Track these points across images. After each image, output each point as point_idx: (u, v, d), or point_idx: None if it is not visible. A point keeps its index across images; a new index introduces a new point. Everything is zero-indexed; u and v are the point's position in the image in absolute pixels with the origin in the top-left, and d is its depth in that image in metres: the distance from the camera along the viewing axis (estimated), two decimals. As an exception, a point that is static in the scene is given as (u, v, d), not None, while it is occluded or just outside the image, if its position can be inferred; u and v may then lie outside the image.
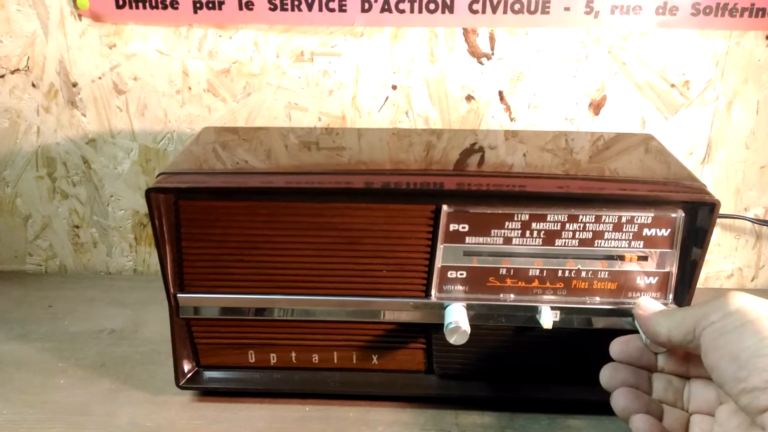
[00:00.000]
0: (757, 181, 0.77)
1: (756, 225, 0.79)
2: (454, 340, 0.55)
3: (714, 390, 0.48)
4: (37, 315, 0.75)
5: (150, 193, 0.53)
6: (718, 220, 0.79)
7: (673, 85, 0.73)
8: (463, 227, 0.55)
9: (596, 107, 0.75)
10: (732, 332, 0.41)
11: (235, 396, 0.62)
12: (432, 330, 0.59)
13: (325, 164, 0.60)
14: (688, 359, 0.50)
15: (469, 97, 0.75)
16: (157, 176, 0.55)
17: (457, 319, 0.55)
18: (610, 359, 0.58)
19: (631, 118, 0.75)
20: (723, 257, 0.81)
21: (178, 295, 0.58)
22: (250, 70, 0.74)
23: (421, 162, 0.60)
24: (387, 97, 0.75)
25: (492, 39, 0.72)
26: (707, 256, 0.81)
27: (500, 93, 0.74)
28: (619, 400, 0.50)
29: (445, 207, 0.54)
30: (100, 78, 0.75)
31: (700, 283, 0.83)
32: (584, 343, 0.59)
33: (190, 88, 0.75)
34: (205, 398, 0.62)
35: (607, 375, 0.51)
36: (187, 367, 0.61)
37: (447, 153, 0.62)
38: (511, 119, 0.76)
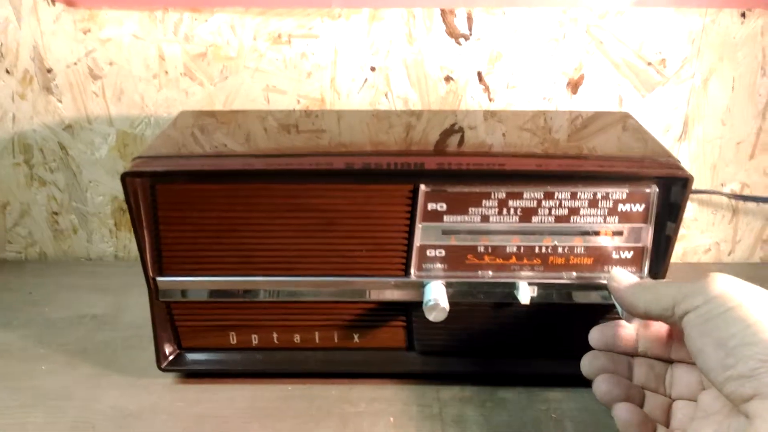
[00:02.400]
0: (733, 157, 0.78)
1: (732, 200, 0.80)
2: (433, 317, 0.55)
3: (696, 375, 0.48)
4: (17, 302, 0.75)
5: (126, 178, 0.53)
6: (696, 196, 0.80)
7: (649, 63, 0.74)
8: (441, 206, 0.55)
9: (574, 86, 0.75)
10: (716, 318, 0.41)
11: (217, 377, 0.62)
12: (412, 308, 0.59)
13: (303, 146, 0.60)
14: (669, 342, 0.50)
15: (447, 78, 0.75)
16: (133, 160, 0.55)
17: (436, 297, 0.55)
18: (587, 333, 0.59)
19: (609, 96, 0.75)
20: (700, 232, 0.83)
21: (158, 278, 0.58)
22: (227, 53, 0.73)
23: (401, 143, 0.61)
24: (366, 79, 0.75)
25: (470, 19, 0.72)
26: (684, 231, 0.82)
27: (479, 73, 0.74)
28: (600, 387, 0.50)
29: (423, 186, 0.54)
30: (75, 64, 0.74)
31: (678, 257, 0.84)
32: (562, 318, 0.59)
33: (166, 72, 0.74)
34: (187, 380, 0.62)
35: (587, 363, 0.52)
36: (168, 349, 0.61)
37: (427, 134, 0.63)
38: (490, 99, 0.76)
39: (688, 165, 0.78)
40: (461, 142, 0.62)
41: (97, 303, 0.75)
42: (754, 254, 0.84)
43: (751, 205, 0.80)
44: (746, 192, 0.80)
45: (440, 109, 0.76)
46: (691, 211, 0.81)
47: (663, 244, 0.56)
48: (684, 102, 0.75)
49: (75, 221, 0.83)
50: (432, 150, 0.59)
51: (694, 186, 0.78)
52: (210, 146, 0.59)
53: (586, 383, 0.60)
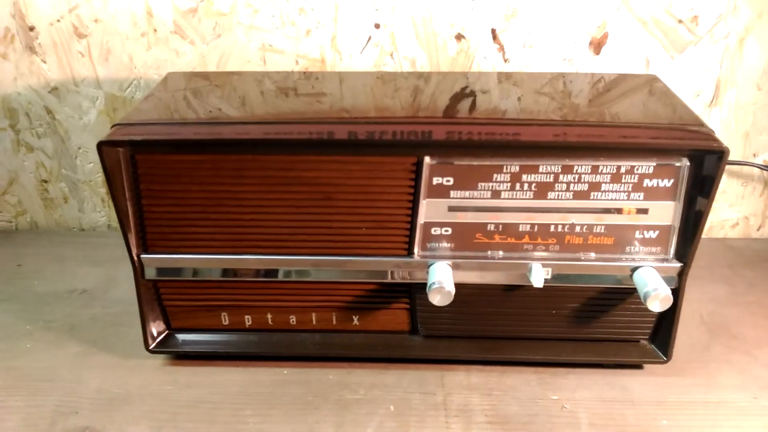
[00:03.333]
0: (767, 124, 0.72)
1: (764, 172, 0.74)
2: (437, 301, 0.51)
3: None
4: (5, 275, 0.72)
5: (102, 147, 0.48)
6: (725, 167, 0.74)
7: (680, 21, 0.67)
8: (448, 180, 0.50)
9: (597, 46, 0.69)
10: None
11: (209, 359, 0.59)
12: (415, 290, 0.55)
13: (299, 113, 0.55)
14: None
15: (459, 36, 0.69)
16: (112, 127, 0.50)
17: (441, 279, 0.51)
18: (605, 317, 0.55)
19: (635, 57, 0.69)
20: (728, 205, 0.77)
21: (142, 256, 0.54)
22: (219, 8, 0.68)
23: (407, 109, 0.55)
24: (369, 38, 0.69)
25: (483, -29, 0.66)
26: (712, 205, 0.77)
27: (493, 31, 0.68)
28: None
29: (427, 159, 0.49)
30: (58, 21, 0.69)
31: (704, 233, 0.78)
32: (577, 302, 0.55)
33: (155, 30, 0.69)
34: (177, 362, 0.59)
35: None
36: (156, 330, 0.58)
37: (435, 98, 0.57)
38: (505, 60, 0.70)
39: (719, 133, 0.72)
40: (472, 108, 0.56)
41: (88, 276, 0.71)
42: (786, 229, 0.78)
43: (785, 176, 0.74)
44: (780, 163, 0.74)
45: (450, 70, 0.70)
46: (720, 183, 0.75)
47: (692, 223, 0.51)
48: (717, 64, 0.69)
49: (65, 189, 0.79)
50: (438, 118, 0.54)
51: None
52: (197, 112, 0.54)
53: (601, 369, 0.56)
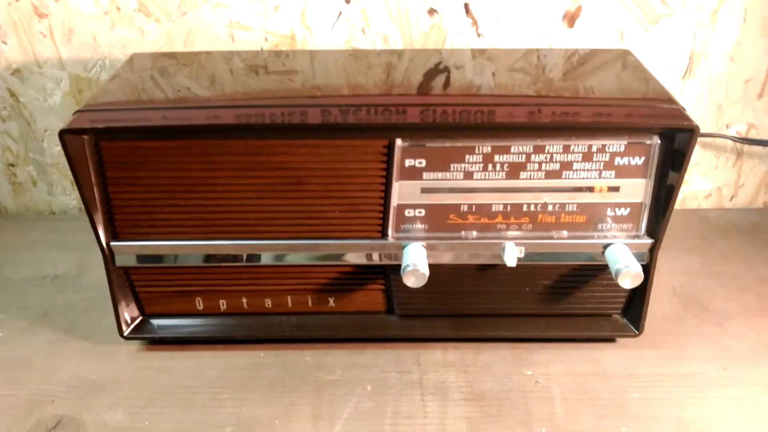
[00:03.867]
0: (740, 96, 0.72)
1: (737, 144, 0.75)
2: (411, 283, 0.51)
3: None
4: (-26, 262, 0.71)
5: (64, 135, 0.47)
6: (699, 139, 0.75)
7: (654, -8, 0.66)
8: (420, 162, 0.50)
9: (570, 19, 0.68)
10: None
11: (185, 344, 0.58)
12: (391, 271, 0.55)
13: (266, 92, 0.54)
14: None
15: (431, 11, 0.67)
16: (74, 114, 0.49)
17: (414, 261, 0.51)
18: (578, 293, 0.55)
19: (609, 30, 0.68)
20: (702, 176, 0.78)
21: (112, 243, 0.53)
22: (184, -16, 0.66)
23: (381, 86, 0.54)
24: (340, 13, 0.67)
25: (455, -58, 0.64)
26: (686, 176, 0.77)
27: (466, 5, 0.67)
28: None
29: (398, 141, 0.49)
30: (17, 0, 0.67)
31: (678, 204, 0.79)
32: (551, 279, 0.55)
33: (118, 9, 0.67)
34: (153, 347, 0.59)
35: None
36: (130, 316, 0.57)
37: (409, 75, 0.56)
38: (479, 34, 0.69)
39: (693, 105, 0.72)
40: (446, 85, 0.55)
41: (60, 261, 0.70)
42: (757, 199, 0.79)
43: (757, 147, 0.75)
44: (753, 133, 0.74)
45: (423, 46, 0.69)
46: (694, 154, 0.75)
47: (663, 200, 0.51)
48: (690, 36, 0.69)
49: (33, 173, 0.77)
50: (410, 99, 0.53)
51: (698, 124, 0.73)
52: (162, 95, 0.53)
53: (575, 343, 0.57)
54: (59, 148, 0.75)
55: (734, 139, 0.73)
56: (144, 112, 0.49)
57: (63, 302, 0.64)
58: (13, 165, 0.77)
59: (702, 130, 0.73)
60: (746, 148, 0.75)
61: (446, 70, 0.58)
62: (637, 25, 0.68)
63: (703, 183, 0.78)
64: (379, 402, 0.53)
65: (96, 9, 0.67)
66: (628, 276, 0.50)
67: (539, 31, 0.68)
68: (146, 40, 0.68)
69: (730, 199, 0.79)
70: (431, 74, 0.58)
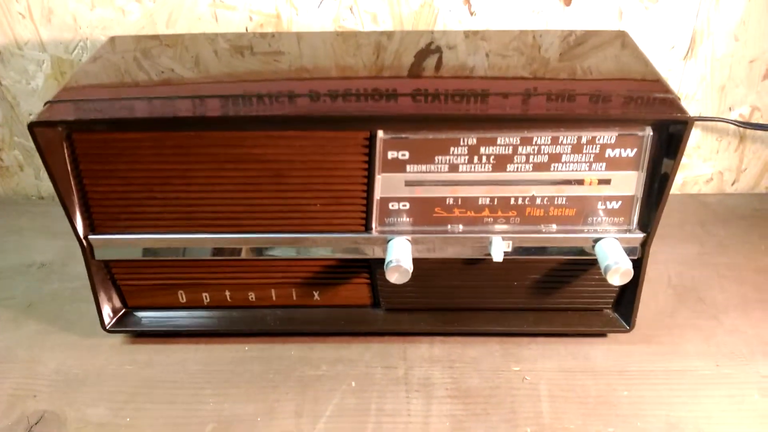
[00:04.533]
0: (744, 77, 0.69)
1: (740, 126, 0.72)
2: (395, 279, 0.50)
3: None
4: (-40, 249, 0.70)
5: (34, 128, 0.45)
6: (700, 123, 0.72)
7: (655, -31, 0.63)
8: (403, 154, 0.48)
9: (567, -2, 0.65)
10: None
11: (169, 337, 0.58)
12: (376, 265, 0.54)
13: (241, 81, 0.52)
14: None
15: (421, -10, 0.65)
16: (45, 105, 0.47)
17: (398, 257, 0.49)
18: (568, 288, 0.54)
19: (607, 8, 0.65)
20: (702, 161, 0.75)
21: (90, 236, 0.52)
22: (164, -37, 0.63)
23: (371, 68, 0.52)
24: (327, -8, 0.65)
25: None
26: (686, 160, 0.75)
27: (457, -17, 0.64)
28: None
29: (380, 133, 0.47)
30: (-7, -22, 0.65)
31: (677, 188, 0.77)
32: (540, 273, 0.54)
33: (98, -12, 0.65)
34: (138, 340, 0.58)
35: None
36: (112, 309, 0.56)
37: (400, 56, 0.54)
38: (471, 13, 0.66)
39: (694, 87, 0.70)
40: (438, 68, 0.53)
41: (46, 249, 0.70)
42: (760, 184, 0.77)
43: (761, 131, 0.72)
44: (756, 116, 0.71)
45: (414, 26, 0.67)
46: (694, 138, 0.73)
47: (655, 193, 0.49)
48: (692, 14, 0.66)
49: (20, 157, 0.76)
50: (395, 85, 0.50)
51: (700, 110, 0.71)
52: (136, 84, 0.51)
53: (564, 338, 0.56)
54: (44, 132, 0.74)
55: (736, 123, 0.70)
56: (118, 102, 0.47)
57: (49, 291, 0.64)
58: (-2, 149, 0.76)
59: (703, 113, 0.71)
60: (749, 131, 0.73)
61: (438, 50, 0.56)
62: (637, 2, 0.65)
63: (704, 167, 0.76)
64: (363, 399, 0.52)
65: (75, -11, 0.65)
66: (617, 273, 0.48)
67: (535, 10, 0.66)
68: (127, 21, 0.66)
69: (732, 184, 0.77)
70: (421, 57, 0.55)
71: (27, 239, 0.71)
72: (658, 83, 0.49)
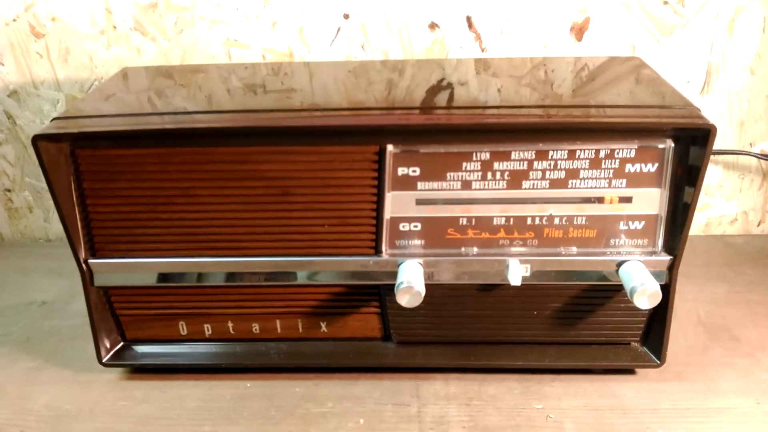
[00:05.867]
0: (763, 112, 0.68)
1: (762, 163, 0.70)
2: (406, 302, 0.47)
3: None
4: (-38, 288, 0.68)
5: (38, 141, 0.45)
6: (721, 158, 0.70)
7: (666, 2, 0.63)
8: (414, 171, 0.47)
9: (579, 32, 0.65)
10: None
11: (167, 372, 0.54)
12: (386, 292, 0.51)
13: (247, 103, 0.51)
14: None
15: (432, 25, 0.65)
16: (51, 121, 0.47)
17: (409, 278, 0.47)
18: (591, 318, 0.51)
19: (619, 43, 0.65)
20: (726, 200, 0.73)
21: (90, 261, 0.50)
22: (179, 3, 0.65)
23: (381, 101, 0.52)
24: (339, 29, 0.65)
25: (456, -44, 0.63)
26: (708, 200, 0.73)
27: (468, 18, 0.65)
28: None
29: (390, 147, 0.46)
30: (14, 20, 0.66)
31: (701, 229, 0.74)
32: (561, 301, 0.51)
33: (115, 27, 0.66)
34: (134, 376, 0.55)
35: None
36: (109, 341, 0.54)
37: (412, 91, 0.53)
38: (482, 49, 0.66)
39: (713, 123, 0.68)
40: (450, 99, 0.52)
41: (49, 288, 0.68)
42: (788, 223, 0.74)
43: (785, 166, 0.70)
44: (779, 152, 0.70)
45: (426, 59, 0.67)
46: (716, 176, 0.71)
47: (680, 212, 0.47)
48: (707, 48, 0.65)
49: (29, 198, 0.76)
50: (396, 106, 0.50)
51: (719, 146, 0.69)
52: (144, 104, 0.51)
53: (588, 374, 0.52)
54: (54, 172, 0.74)
55: (759, 156, 0.68)
56: (123, 118, 0.47)
57: (48, 328, 0.61)
58: (9, 190, 0.75)
59: (724, 147, 0.69)
60: (773, 167, 0.70)
61: (450, 86, 0.55)
62: (650, 37, 0.65)
63: (727, 207, 0.73)
64: (371, 436, 0.48)
65: (92, 28, 0.66)
66: (645, 294, 0.45)
67: (546, 45, 0.66)
68: (142, 59, 0.67)
69: (758, 225, 0.74)
70: (434, 90, 0.55)
71: (30, 279, 0.70)
72: (676, 95, 0.47)
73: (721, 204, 0.73)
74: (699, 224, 0.74)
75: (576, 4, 0.64)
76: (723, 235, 0.74)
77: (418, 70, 0.57)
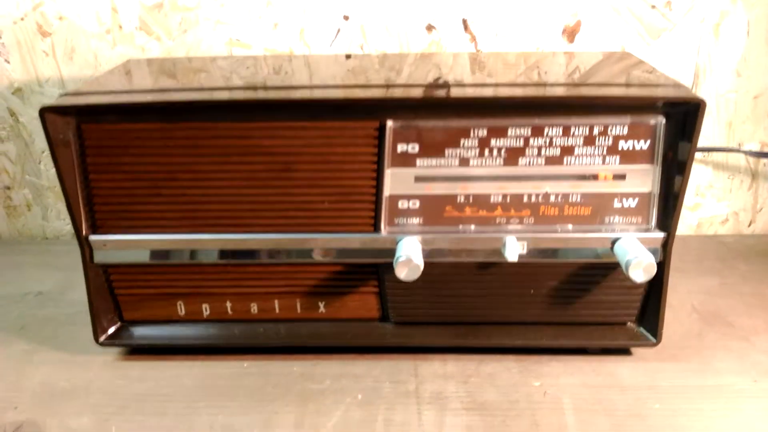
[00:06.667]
0: (750, 113, 0.70)
1: (751, 163, 0.72)
2: (404, 275, 0.47)
3: None
4: (-43, 281, 0.68)
5: (45, 113, 0.46)
6: (710, 159, 0.72)
7: (653, 6, 0.66)
8: (413, 147, 0.48)
9: (570, 34, 0.67)
10: None
11: (164, 354, 0.54)
12: (384, 270, 0.52)
13: (250, 78, 0.53)
14: None
15: (429, 27, 0.67)
16: (59, 96, 0.48)
17: (408, 252, 0.47)
18: (587, 298, 0.51)
19: (609, 45, 0.68)
20: (717, 200, 0.74)
21: (91, 237, 0.50)
22: (184, 3, 0.67)
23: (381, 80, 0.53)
24: (339, 30, 0.68)
25: (452, -40, 0.65)
26: (699, 200, 0.74)
27: (464, 21, 0.67)
28: None
29: (390, 122, 0.47)
30: (22, 19, 0.68)
31: (692, 230, 0.76)
32: (557, 279, 0.51)
33: (120, 27, 0.68)
34: (131, 357, 0.55)
35: None
36: (107, 321, 0.54)
37: (411, 73, 0.55)
38: (477, 51, 0.68)
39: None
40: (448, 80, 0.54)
41: (45, 280, 0.68)
42: (778, 223, 0.75)
43: (773, 167, 0.72)
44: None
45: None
46: (706, 176, 0.73)
47: (673, 189, 0.48)
48: (694, 50, 0.68)
49: (29, 196, 0.76)
50: (398, 83, 0.51)
51: (709, 143, 0.71)
52: (149, 83, 0.52)
53: (587, 354, 0.52)
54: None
55: (748, 153, 0.70)
56: (125, 95, 0.48)
57: (43, 316, 0.61)
58: (9, 188, 0.76)
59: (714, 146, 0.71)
60: (761, 168, 0.72)
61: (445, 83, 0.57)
62: (639, 39, 0.67)
63: (718, 207, 0.74)
64: (369, 411, 0.48)
65: (98, 27, 0.68)
66: (640, 267, 0.46)
67: (538, 47, 0.68)
68: (146, 57, 0.69)
69: (749, 225, 0.75)
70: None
71: (26, 272, 0.70)
72: (666, 77, 0.49)
73: (713, 204, 0.74)
74: (690, 225, 0.75)
75: (568, 8, 0.66)
76: (715, 235, 0.76)
77: (418, 60, 0.59)
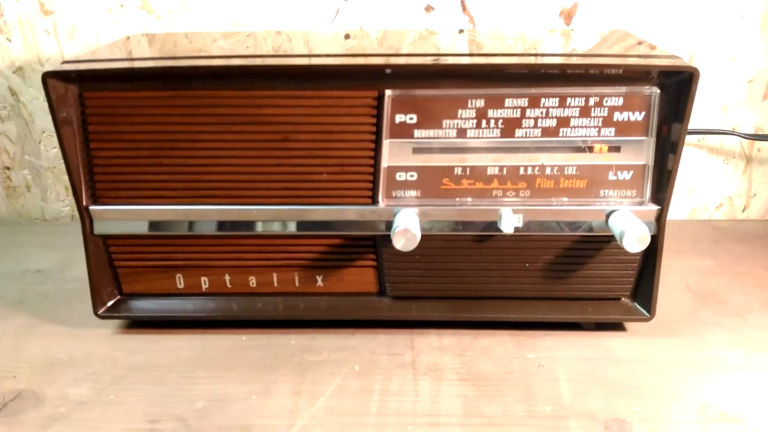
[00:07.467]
0: (745, 97, 0.71)
1: (746, 148, 0.72)
2: (402, 245, 0.48)
3: None
4: (-44, 259, 0.68)
5: (47, 79, 0.46)
6: (704, 143, 0.73)
7: (650, -10, 0.67)
8: (411, 118, 0.48)
9: (567, 16, 0.68)
10: None
11: (164, 327, 0.55)
12: (381, 243, 0.52)
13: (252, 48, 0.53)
14: None
15: (428, 8, 0.68)
16: (62, 63, 0.48)
17: (405, 223, 0.48)
18: (582, 272, 0.52)
19: (606, 26, 0.68)
20: (711, 185, 0.75)
21: (91, 207, 0.51)
22: (186, -18, 0.67)
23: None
24: (338, 10, 0.68)
25: (451, -57, 0.66)
26: (693, 185, 0.75)
27: (462, 2, 0.68)
28: None
29: (388, 92, 0.47)
30: (24, -3, 0.69)
31: (687, 214, 0.76)
32: (552, 253, 0.52)
33: (121, 6, 0.68)
34: (129, 330, 0.55)
35: None
36: (106, 294, 0.54)
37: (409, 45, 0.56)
38: (476, 31, 0.69)
39: (697, 106, 0.71)
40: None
41: (45, 259, 0.68)
42: (772, 208, 0.76)
43: (767, 153, 0.72)
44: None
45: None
46: (701, 160, 0.73)
47: (667, 162, 0.49)
48: (688, 34, 0.68)
49: (28, 177, 0.77)
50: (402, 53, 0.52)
51: (704, 126, 0.72)
52: (150, 53, 0.53)
53: (582, 329, 0.53)
54: (56, 149, 0.75)
55: (744, 136, 0.70)
56: (131, 61, 0.48)
57: (42, 291, 0.62)
58: (8, 168, 0.76)
59: (708, 137, 0.71)
60: (755, 153, 0.73)
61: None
62: (634, 22, 0.68)
63: (713, 192, 0.75)
64: (366, 381, 0.48)
65: (100, 6, 0.68)
66: (634, 237, 0.46)
67: (536, 28, 0.68)
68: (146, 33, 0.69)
69: (743, 210, 0.76)
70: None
71: (26, 251, 0.70)
72: (659, 49, 0.50)
73: (707, 189, 0.75)
74: (685, 210, 0.76)
75: (565, -10, 0.67)
76: (709, 220, 0.76)
77: (417, 40, 0.59)
